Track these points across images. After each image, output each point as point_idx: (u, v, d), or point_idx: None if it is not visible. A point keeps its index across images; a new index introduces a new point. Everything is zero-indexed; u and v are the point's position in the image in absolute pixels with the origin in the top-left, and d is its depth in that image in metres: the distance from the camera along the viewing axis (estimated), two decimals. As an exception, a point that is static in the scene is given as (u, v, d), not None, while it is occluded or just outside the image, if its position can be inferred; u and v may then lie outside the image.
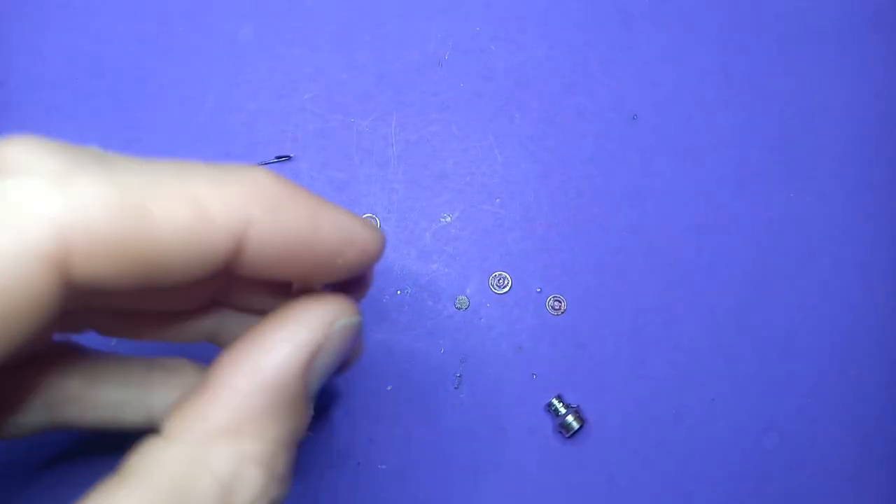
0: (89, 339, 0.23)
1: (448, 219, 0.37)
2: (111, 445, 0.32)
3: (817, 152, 0.38)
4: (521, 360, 0.36)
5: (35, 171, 0.14)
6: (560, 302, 0.36)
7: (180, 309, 0.22)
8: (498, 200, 0.37)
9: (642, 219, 0.37)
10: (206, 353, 0.23)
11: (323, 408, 0.34)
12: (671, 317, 0.36)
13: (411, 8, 0.39)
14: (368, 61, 0.38)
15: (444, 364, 0.35)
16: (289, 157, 0.37)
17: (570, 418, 0.34)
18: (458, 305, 0.36)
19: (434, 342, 0.35)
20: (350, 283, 0.22)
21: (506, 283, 0.36)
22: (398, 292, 0.36)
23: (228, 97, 0.38)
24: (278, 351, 0.18)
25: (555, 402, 0.34)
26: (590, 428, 0.35)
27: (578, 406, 0.35)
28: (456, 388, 0.35)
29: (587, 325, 0.36)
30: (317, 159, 0.37)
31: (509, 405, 0.35)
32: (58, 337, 0.22)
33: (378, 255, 0.20)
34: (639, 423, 0.35)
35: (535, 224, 0.37)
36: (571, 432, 0.34)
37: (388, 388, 0.35)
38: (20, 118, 0.37)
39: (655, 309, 0.36)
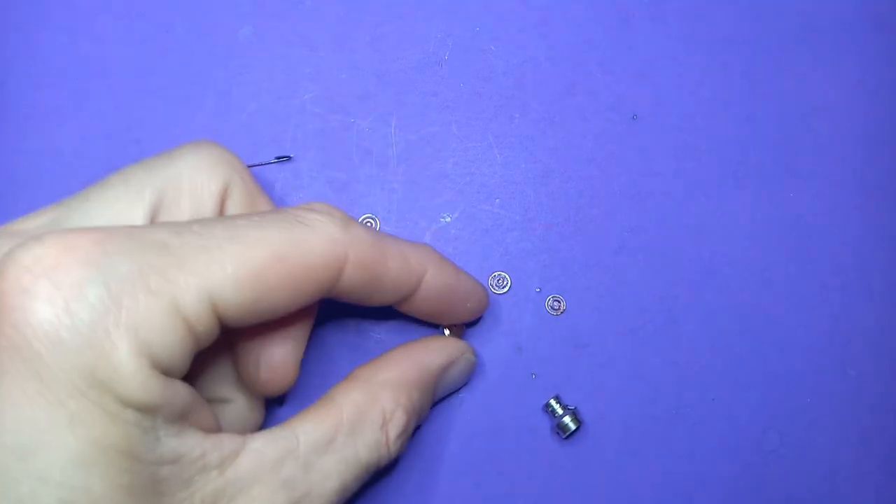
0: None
1: (448, 219, 0.37)
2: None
3: (817, 152, 0.38)
4: (520, 360, 0.36)
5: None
6: (560, 302, 0.36)
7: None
8: (498, 200, 0.37)
9: (642, 219, 0.37)
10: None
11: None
12: (671, 317, 0.36)
13: (411, 8, 0.39)
14: (368, 61, 0.38)
15: (443, 364, 0.35)
16: (289, 158, 0.37)
17: (567, 419, 0.34)
18: (458, 305, 0.36)
19: (434, 342, 0.35)
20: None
21: (505, 283, 0.36)
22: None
23: (228, 97, 0.38)
24: (431, 352, 0.30)
25: (552, 402, 0.34)
26: (589, 428, 0.35)
27: (576, 407, 0.35)
28: (455, 388, 0.35)
29: (587, 325, 0.36)
30: (316, 159, 0.37)
31: (509, 405, 0.35)
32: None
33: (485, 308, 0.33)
34: (639, 423, 0.35)
35: (534, 224, 0.37)
36: (568, 433, 0.34)
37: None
38: (20, 118, 0.37)
39: (655, 309, 0.36)
